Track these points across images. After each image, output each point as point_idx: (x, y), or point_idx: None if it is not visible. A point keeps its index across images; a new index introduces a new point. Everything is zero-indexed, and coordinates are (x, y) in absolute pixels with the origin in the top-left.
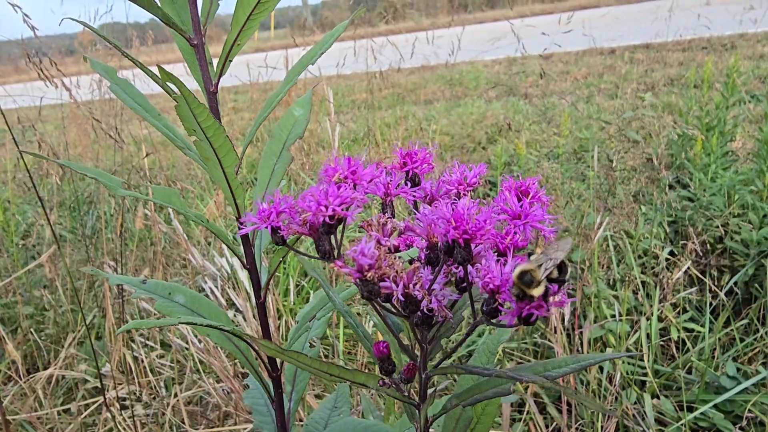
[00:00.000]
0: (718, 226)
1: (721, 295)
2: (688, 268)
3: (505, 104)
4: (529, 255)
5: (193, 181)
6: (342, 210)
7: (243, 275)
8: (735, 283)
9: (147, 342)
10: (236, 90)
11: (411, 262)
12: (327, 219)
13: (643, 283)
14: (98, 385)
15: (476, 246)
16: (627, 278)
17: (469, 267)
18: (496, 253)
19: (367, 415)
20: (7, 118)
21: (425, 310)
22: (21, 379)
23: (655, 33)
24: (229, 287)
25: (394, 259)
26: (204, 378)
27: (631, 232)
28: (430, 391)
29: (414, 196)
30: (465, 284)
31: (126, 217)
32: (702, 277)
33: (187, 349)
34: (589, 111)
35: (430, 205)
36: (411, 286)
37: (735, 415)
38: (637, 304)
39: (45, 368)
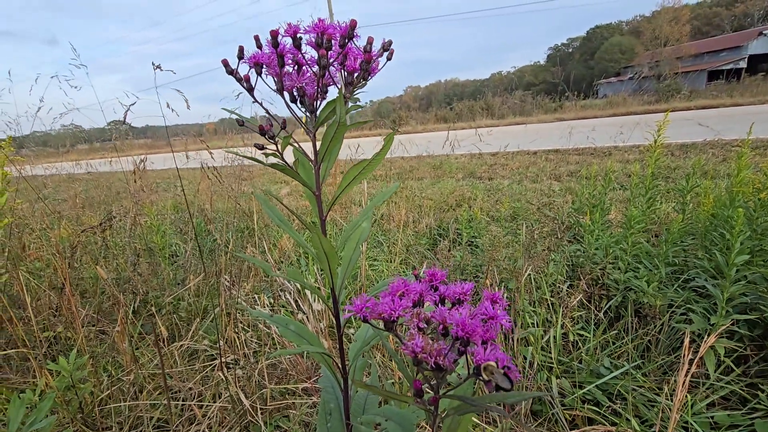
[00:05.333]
0: (599, 270)
1: (600, 314)
2: (581, 297)
3: (468, 183)
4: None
5: (271, 222)
6: (400, 312)
7: (308, 293)
8: (609, 307)
9: (245, 328)
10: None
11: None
12: (394, 318)
13: (551, 303)
14: (212, 353)
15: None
16: (542, 300)
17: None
18: (481, 340)
19: (390, 402)
20: (162, 174)
21: (441, 366)
22: (165, 346)
23: (561, 143)
24: (298, 297)
25: (431, 342)
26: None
27: (545, 271)
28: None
29: (434, 299)
30: (465, 354)
31: (237, 244)
32: (588, 304)
33: (269, 332)
34: (520, 190)
35: (443, 303)
36: (438, 357)
37: (609, 392)
38: (548, 317)
39: (179, 340)
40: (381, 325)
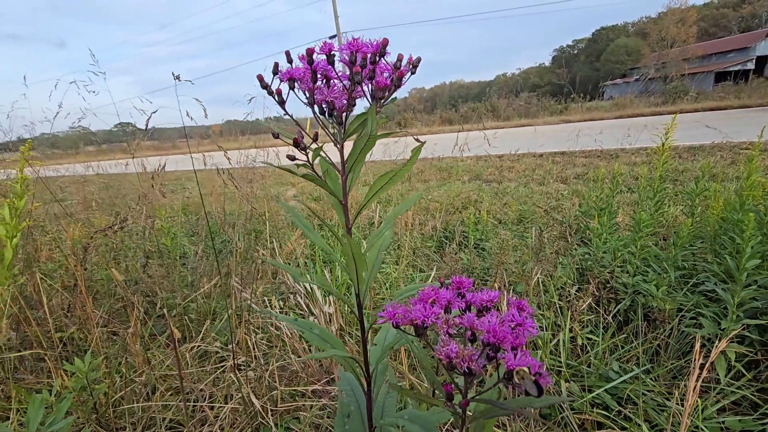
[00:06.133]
0: (607, 273)
1: (609, 318)
2: (590, 300)
3: (474, 186)
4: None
5: (285, 225)
6: (432, 319)
7: (318, 293)
8: (618, 311)
9: (255, 329)
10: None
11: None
12: (427, 324)
13: (560, 307)
14: (222, 354)
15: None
16: (550, 304)
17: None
18: (511, 346)
19: (407, 405)
20: (169, 175)
21: (473, 371)
22: (177, 347)
23: (568, 146)
24: (308, 299)
25: (464, 348)
26: (289, 353)
27: (554, 274)
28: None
29: (461, 306)
30: (495, 360)
31: (247, 247)
32: (597, 307)
33: (278, 334)
34: (526, 192)
35: (469, 310)
36: (469, 362)
37: (618, 396)
38: (556, 320)
39: (190, 341)
40: (411, 330)
